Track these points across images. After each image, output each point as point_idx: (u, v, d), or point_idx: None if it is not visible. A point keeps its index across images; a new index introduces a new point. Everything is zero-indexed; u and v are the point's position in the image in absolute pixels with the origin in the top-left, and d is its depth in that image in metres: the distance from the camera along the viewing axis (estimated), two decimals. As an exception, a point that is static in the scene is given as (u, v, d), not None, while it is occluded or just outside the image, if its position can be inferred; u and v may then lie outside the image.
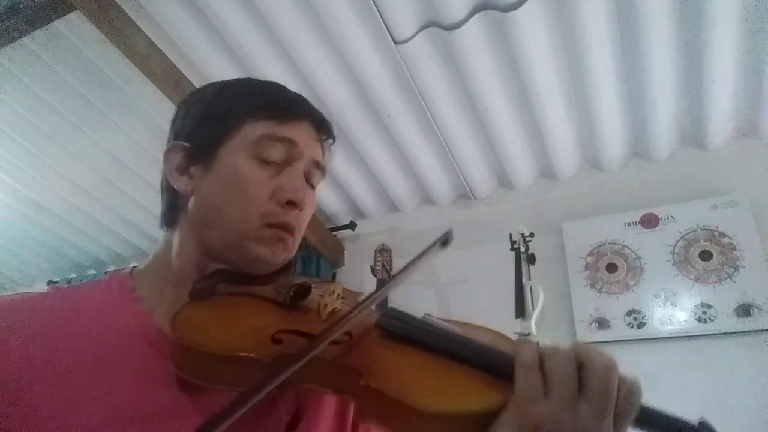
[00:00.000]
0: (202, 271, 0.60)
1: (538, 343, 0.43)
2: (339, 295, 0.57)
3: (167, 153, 0.63)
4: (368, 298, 0.50)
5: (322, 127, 0.67)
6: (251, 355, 0.45)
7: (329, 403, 0.62)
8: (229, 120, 0.61)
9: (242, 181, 0.58)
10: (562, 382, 0.39)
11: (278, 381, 0.39)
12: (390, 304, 0.56)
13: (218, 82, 0.69)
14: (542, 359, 0.41)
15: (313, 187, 0.66)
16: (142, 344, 0.54)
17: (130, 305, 0.58)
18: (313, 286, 0.58)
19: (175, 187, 0.62)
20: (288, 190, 0.59)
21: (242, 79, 0.69)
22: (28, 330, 0.52)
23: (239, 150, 0.60)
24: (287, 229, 0.60)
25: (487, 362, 0.45)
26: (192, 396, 0.51)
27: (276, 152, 0.60)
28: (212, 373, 0.47)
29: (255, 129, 0.60)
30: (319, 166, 0.65)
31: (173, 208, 0.64)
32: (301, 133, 0.62)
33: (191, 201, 0.61)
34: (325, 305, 0.54)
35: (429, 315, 0.58)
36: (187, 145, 0.63)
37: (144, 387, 0.51)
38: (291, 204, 0.59)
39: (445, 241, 0.55)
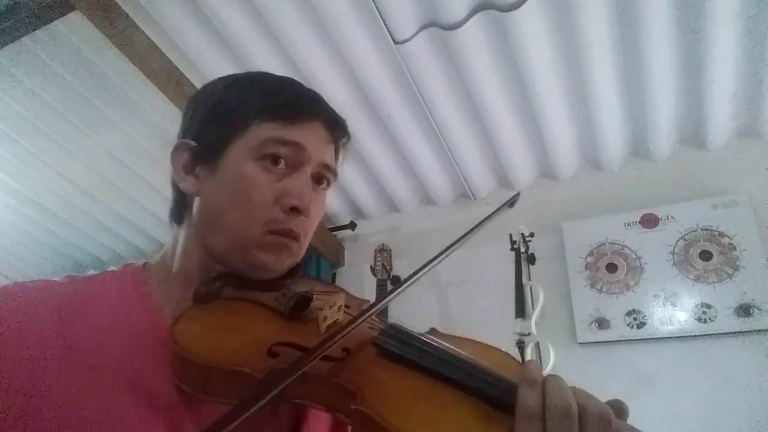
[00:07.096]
0: (206, 272, 0.58)
1: (543, 382, 0.42)
2: (341, 306, 0.55)
3: (174, 151, 0.62)
4: (368, 309, 0.48)
5: (335, 127, 0.63)
6: (245, 369, 0.44)
7: None
8: (236, 120, 0.58)
9: (246, 185, 0.56)
10: None
11: (268, 398, 0.38)
12: (390, 310, 0.55)
13: (229, 76, 0.65)
14: (544, 410, 0.40)
15: (323, 189, 0.63)
16: (151, 341, 0.52)
17: (141, 299, 0.57)
18: (315, 295, 0.56)
19: (180, 186, 0.61)
20: (293, 195, 0.56)
21: (254, 74, 0.66)
22: (43, 318, 0.50)
23: (245, 152, 0.57)
24: (291, 236, 0.57)
25: (486, 392, 0.43)
26: (189, 407, 0.50)
27: (282, 156, 0.57)
28: (207, 385, 0.46)
29: (261, 131, 0.57)
30: (330, 169, 0.62)
31: (180, 205, 0.63)
32: (309, 136, 0.59)
33: (196, 201, 0.60)
34: (325, 318, 0.52)
35: (435, 330, 0.57)
36: (193, 144, 0.61)
37: (150, 389, 0.50)
38: (295, 210, 0.57)
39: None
